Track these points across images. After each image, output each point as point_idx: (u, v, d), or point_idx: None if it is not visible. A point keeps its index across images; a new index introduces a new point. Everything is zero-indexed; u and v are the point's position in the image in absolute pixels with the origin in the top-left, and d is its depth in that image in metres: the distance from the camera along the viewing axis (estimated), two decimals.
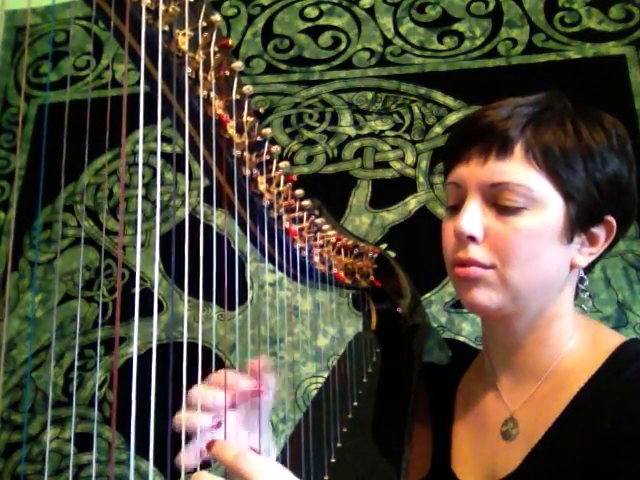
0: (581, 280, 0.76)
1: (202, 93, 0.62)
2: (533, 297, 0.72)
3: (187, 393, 0.65)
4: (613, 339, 0.73)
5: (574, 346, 0.73)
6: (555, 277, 0.72)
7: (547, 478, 0.68)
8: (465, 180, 0.72)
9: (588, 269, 0.76)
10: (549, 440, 0.70)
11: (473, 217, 0.70)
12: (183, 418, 0.62)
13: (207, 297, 0.59)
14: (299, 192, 0.77)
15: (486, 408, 0.78)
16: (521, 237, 0.68)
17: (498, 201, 0.69)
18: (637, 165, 0.73)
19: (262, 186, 0.72)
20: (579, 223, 0.70)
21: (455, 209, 0.73)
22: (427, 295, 1.62)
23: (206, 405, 0.66)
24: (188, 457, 0.62)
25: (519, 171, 0.68)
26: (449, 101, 1.82)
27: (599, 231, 0.72)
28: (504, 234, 0.69)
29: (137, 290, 0.53)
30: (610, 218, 0.71)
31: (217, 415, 0.66)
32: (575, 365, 0.72)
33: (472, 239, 0.70)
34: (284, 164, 0.73)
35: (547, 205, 0.69)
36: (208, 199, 0.68)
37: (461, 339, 1.59)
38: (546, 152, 0.68)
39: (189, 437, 0.63)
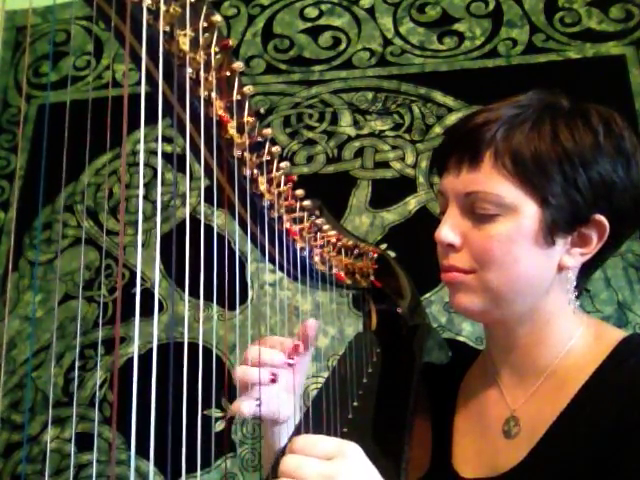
0: (569, 281, 0.73)
1: (203, 93, 0.62)
2: (516, 300, 0.72)
3: (247, 350, 0.75)
4: (615, 334, 0.73)
5: (576, 343, 0.73)
6: (538, 279, 0.71)
7: (550, 472, 0.68)
8: (446, 190, 0.74)
9: (592, 268, 0.75)
10: (552, 435, 0.70)
11: (450, 226, 0.73)
12: (244, 371, 0.73)
13: (207, 297, 0.59)
14: (299, 192, 0.77)
15: (487, 406, 0.79)
16: (496, 243, 0.70)
17: (474, 209, 0.71)
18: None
19: (262, 186, 0.72)
20: (560, 226, 0.69)
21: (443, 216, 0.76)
22: (427, 295, 1.62)
23: (264, 361, 0.74)
24: (244, 406, 0.72)
25: (489, 179, 0.69)
26: (449, 101, 1.82)
27: (589, 231, 0.70)
28: (480, 241, 0.71)
29: (138, 290, 0.53)
30: (599, 217, 0.69)
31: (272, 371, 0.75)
32: (577, 362, 0.72)
33: (451, 247, 0.73)
34: (285, 164, 0.73)
35: (520, 211, 0.69)
36: (209, 199, 0.68)
37: (461, 339, 1.59)
38: (516, 158, 0.68)
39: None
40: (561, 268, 0.72)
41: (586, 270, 0.75)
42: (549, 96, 0.73)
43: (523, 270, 0.70)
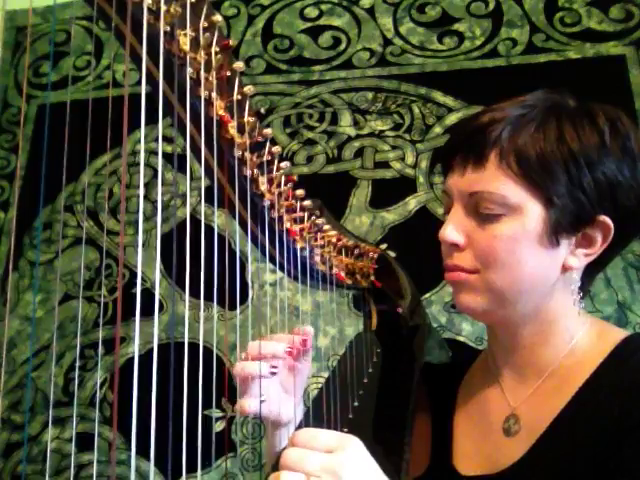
0: (573, 282, 0.74)
1: (203, 93, 0.62)
2: (520, 300, 0.72)
3: (249, 345, 0.75)
4: (617, 334, 0.73)
5: (578, 343, 0.74)
6: (542, 280, 0.71)
7: (549, 470, 0.68)
8: (451, 189, 0.74)
9: (596, 269, 0.75)
10: (552, 433, 0.70)
11: (455, 225, 0.73)
12: (243, 365, 0.72)
13: (208, 297, 0.59)
14: (300, 192, 0.77)
15: (488, 404, 0.79)
16: (500, 243, 0.70)
17: (478, 209, 0.71)
18: None
19: (263, 186, 0.72)
20: (564, 226, 0.69)
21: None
22: (427, 295, 1.62)
23: (265, 354, 0.73)
24: (246, 403, 0.71)
25: (494, 179, 0.69)
26: (449, 101, 1.82)
27: (594, 232, 0.70)
28: (484, 241, 0.71)
29: (138, 290, 0.53)
30: (604, 218, 0.69)
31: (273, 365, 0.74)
32: (578, 361, 0.72)
33: (455, 246, 0.73)
34: (285, 164, 0.73)
35: (525, 211, 0.69)
36: (209, 199, 0.68)
37: (461, 339, 1.59)
38: (521, 159, 0.68)
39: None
40: (565, 269, 0.71)
41: (590, 271, 0.75)
42: (555, 96, 0.73)
43: (527, 270, 0.70)
